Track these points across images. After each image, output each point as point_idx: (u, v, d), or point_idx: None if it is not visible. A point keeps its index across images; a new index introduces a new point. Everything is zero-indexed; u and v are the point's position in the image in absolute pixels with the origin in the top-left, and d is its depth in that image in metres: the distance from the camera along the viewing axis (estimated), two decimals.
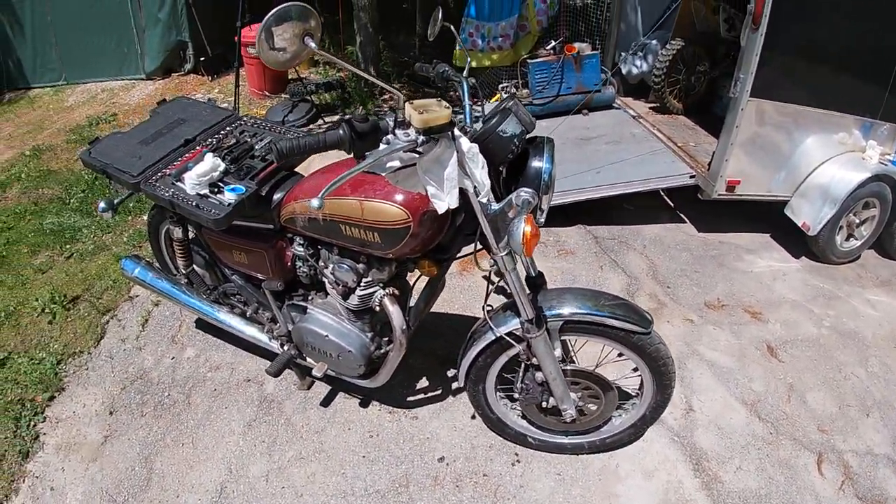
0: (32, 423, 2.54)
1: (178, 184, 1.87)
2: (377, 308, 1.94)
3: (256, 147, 2.02)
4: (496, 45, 5.26)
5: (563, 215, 3.69)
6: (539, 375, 1.94)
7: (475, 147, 1.50)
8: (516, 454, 2.28)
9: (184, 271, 2.38)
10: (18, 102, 6.60)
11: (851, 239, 3.51)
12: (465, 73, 1.91)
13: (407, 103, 1.40)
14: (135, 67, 6.57)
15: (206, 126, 2.15)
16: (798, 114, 3.27)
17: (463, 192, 1.55)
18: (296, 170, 2.07)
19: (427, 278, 2.08)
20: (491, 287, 1.93)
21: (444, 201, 1.47)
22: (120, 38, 6.40)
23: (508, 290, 1.78)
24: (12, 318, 3.18)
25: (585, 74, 4.58)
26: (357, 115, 1.40)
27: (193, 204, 1.80)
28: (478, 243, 1.78)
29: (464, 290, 3.16)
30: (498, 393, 2.14)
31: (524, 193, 1.58)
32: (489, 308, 1.92)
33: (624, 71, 4.69)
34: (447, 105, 1.40)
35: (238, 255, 2.10)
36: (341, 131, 1.37)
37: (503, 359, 1.98)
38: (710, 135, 4.16)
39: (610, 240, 3.63)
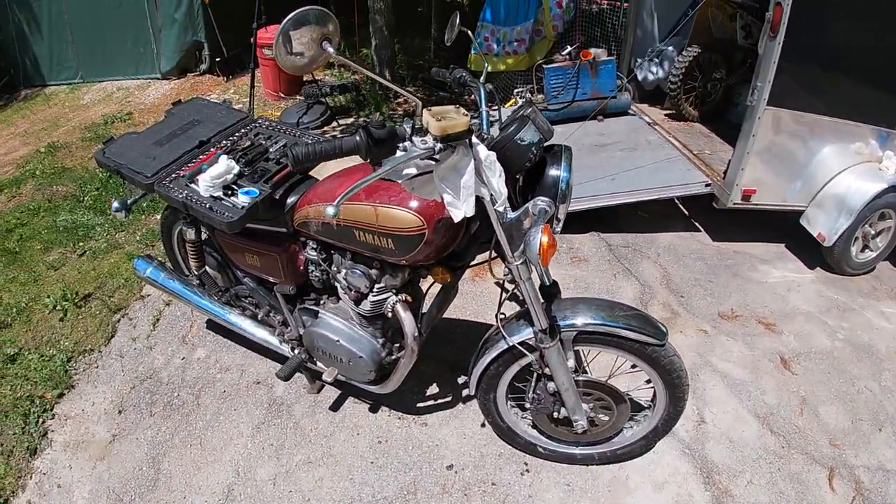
0: (41, 420, 2.55)
1: (192, 186, 1.87)
2: (389, 314, 1.93)
3: (271, 150, 2.02)
4: (511, 50, 5.24)
5: (577, 222, 3.66)
6: (551, 386, 1.92)
7: (492, 155, 1.48)
8: (526, 463, 2.25)
9: (196, 272, 2.37)
10: (34, 99, 6.67)
11: (867, 250, 3.46)
12: (482, 78, 1.90)
13: (425, 110, 1.38)
14: (151, 67, 6.62)
15: (221, 128, 2.15)
16: (815, 123, 3.23)
17: (478, 200, 1.53)
18: (310, 173, 2.06)
19: (440, 285, 2.07)
20: (504, 295, 1.91)
21: (460, 209, 1.45)
22: (136, 38, 6.45)
23: (522, 298, 1.76)
24: (24, 314, 3.21)
25: (601, 80, 4.55)
26: (374, 122, 1.39)
27: (207, 206, 1.80)
28: (492, 251, 1.76)
29: (476, 297, 3.14)
30: (509, 402, 2.12)
31: (541, 202, 1.57)
32: (502, 316, 1.90)
33: (640, 77, 4.65)
34: (465, 112, 1.39)
35: (250, 257, 2.09)
36: (358, 137, 1.36)
37: (515, 368, 1.96)
38: (726, 143, 4.12)
39: (624, 247, 3.60)
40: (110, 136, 2.24)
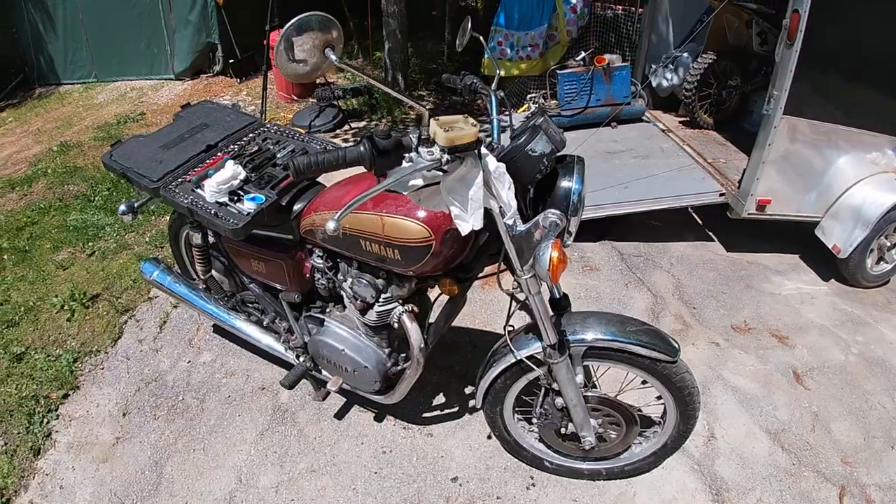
0: (45, 420, 2.56)
1: (198, 191, 1.84)
2: (395, 325, 1.90)
3: (278, 155, 1.99)
4: (525, 55, 5.21)
5: (589, 230, 3.62)
6: (559, 401, 1.88)
7: (502, 167, 1.44)
8: (531, 477, 2.21)
9: (202, 277, 2.36)
10: (49, 98, 6.72)
11: (882, 262, 3.39)
12: (493, 85, 1.86)
13: (432, 120, 1.34)
14: (164, 68, 6.65)
15: (229, 132, 2.13)
16: (831, 132, 3.17)
17: (487, 212, 1.49)
18: (318, 179, 2.04)
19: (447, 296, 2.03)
20: (514, 306, 1.86)
21: (468, 222, 1.41)
22: (150, 39, 6.48)
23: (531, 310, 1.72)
24: (32, 313, 3.22)
25: (615, 86, 4.50)
26: (379, 132, 1.35)
27: (212, 212, 1.78)
28: (501, 263, 1.72)
29: (485, 305, 3.10)
30: (516, 415, 2.08)
31: (552, 215, 1.53)
32: (510, 328, 1.86)
33: (654, 84, 4.60)
34: (474, 123, 1.34)
35: (256, 263, 2.07)
36: (362, 148, 1.32)
37: (523, 381, 1.92)
38: (741, 151, 4.06)
39: (636, 257, 3.55)
40: (118, 139, 2.22)
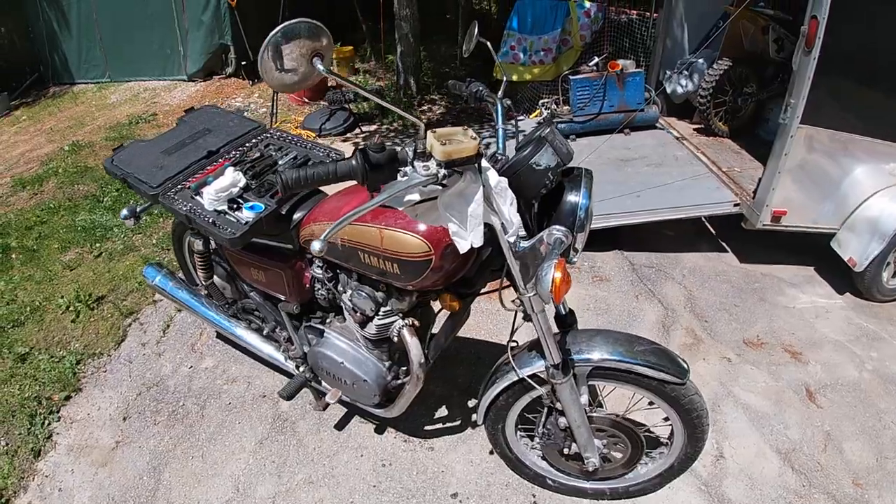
0: (47, 422, 2.56)
1: (197, 198, 1.81)
2: (395, 339, 1.85)
3: (280, 162, 1.96)
4: (538, 59, 5.16)
5: (600, 239, 3.55)
6: (562, 421, 1.82)
7: (504, 181, 1.38)
8: (534, 495, 2.16)
9: (204, 283, 2.33)
10: (63, 97, 6.77)
11: None
12: (500, 93, 1.80)
13: (429, 132, 1.27)
14: (177, 69, 6.67)
15: (232, 138, 2.10)
16: (849, 142, 3.10)
17: (490, 227, 1.44)
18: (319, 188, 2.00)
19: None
20: (518, 321, 1.78)
21: (467, 240, 1.35)
22: (163, 40, 6.50)
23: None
24: (37, 313, 3.23)
25: (628, 92, 4.43)
26: (372, 145, 1.29)
27: (210, 220, 1.74)
28: (503, 279, 1.65)
29: (491, 316, 3.05)
30: (518, 432, 2.02)
31: (557, 232, 1.46)
32: (514, 344, 1.80)
33: (668, 90, 4.52)
34: (474, 135, 1.28)
35: (256, 272, 2.04)
36: (354, 161, 1.26)
37: (525, 399, 1.86)
38: (756, 160, 3.97)
39: (647, 267, 3.48)
40: (120, 144, 2.20)
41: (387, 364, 1.94)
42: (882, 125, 3.08)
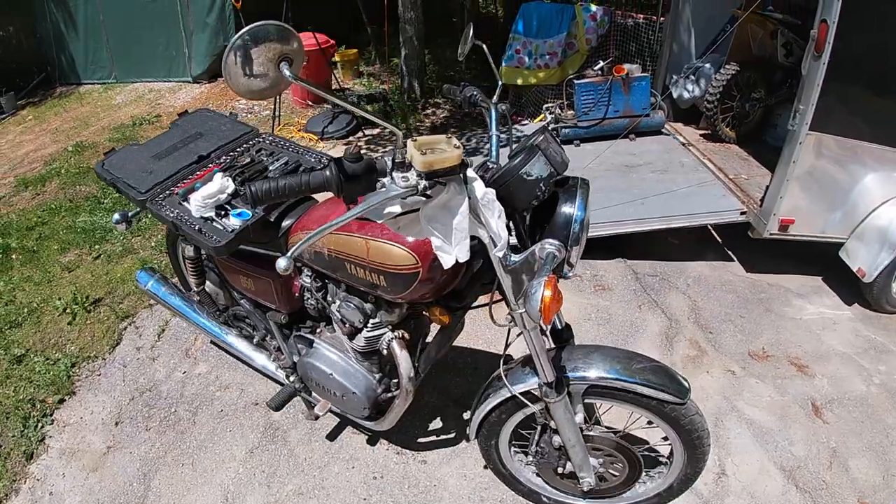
0: (40, 425, 2.55)
1: (185, 204, 1.77)
2: (385, 351, 1.79)
3: (271, 168, 1.91)
4: (543, 63, 5.10)
5: (603, 247, 3.49)
6: (556, 439, 1.76)
7: (491, 192, 1.31)
8: None
9: (195, 289, 2.29)
10: (69, 97, 6.78)
11: None
12: (495, 97, 1.73)
13: (409, 141, 1.20)
14: (182, 70, 6.67)
15: (224, 142, 2.05)
16: (859, 150, 3.03)
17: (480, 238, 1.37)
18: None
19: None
20: (512, 335, 1.72)
21: (451, 254, 1.28)
22: (168, 41, 6.51)
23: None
24: (35, 314, 3.22)
25: (634, 97, 4.37)
26: (348, 154, 1.21)
27: (196, 228, 1.70)
28: (495, 293, 1.59)
29: (489, 324, 2.95)
30: (512, 448, 1.96)
31: (549, 246, 1.39)
32: (509, 357, 1.73)
33: (675, 95, 4.46)
34: (457, 144, 1.21)
35: (245, 280, 1.99)
36: (328, 172, 1.19)
37: (519, 416, 1.80)
38: (763, 166, 3.90)
39: (651, 276, 3.41)
40: (112, 148, 2.16)
41: (377, 376, 1.89)
42: (893, 132, 3.01)
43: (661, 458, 1.94)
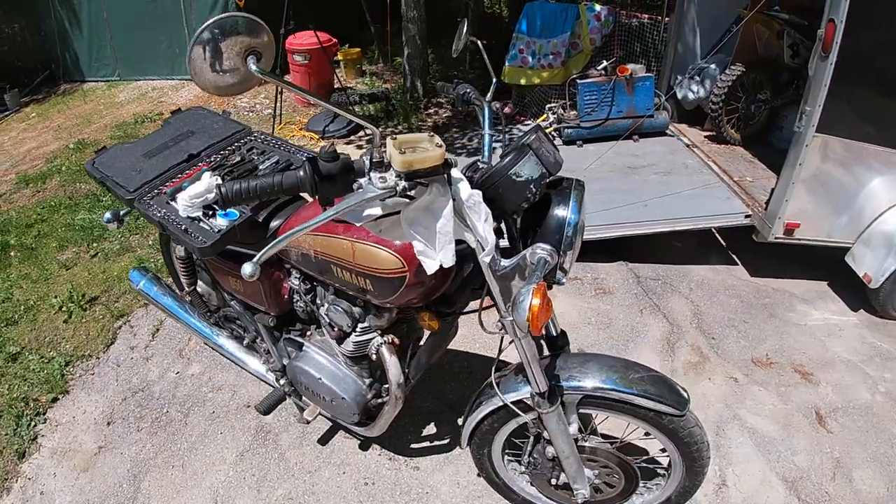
0: (33, 424, 2.54)
1: (172, 203, 1.73)
2: (374, 356, 1.74)
3: (261, 167, 1.87)
4: (547, 63, 5.05)
5: (605, 250, 3.44)
6: (550, 450, 1.70)
7: (477, 194, 1.23)
8: None
9: (186, 289, 2.26)
10: (72, 95, 6.78)
11: None
12: (489, 95, 1.68)
13: (389, 139, 1.13)
14: (185, 68, 6.62)
15: (215, 140, 2.02)
16: (867, 153, 2.96)
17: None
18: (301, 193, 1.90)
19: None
20: (506, 341, 1.64)
21: (435, 259, 1.22)
22: (171, 39, 6.50)
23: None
24: (31, 312, 3.21)
25: (638, 98, 4.32)
26: (324, 153, 1.15)
27: (182, 228, 1.66)
28: (485, 299, 1.53)
29: (490, 324, 2.94)
30: (506, 456, 1.91)
31: (540, 251, 1.32)
32: (501, 364, 1.65)
33: (679, 95, 4.40)
34: (440, 143, 1.15)
35: (234, 281, 1.95)
36: (301, 172, 1.14)
37: (512, 424, 1.74)
38: (769, 169, 3.84)
39: (653, 280, 3.36)
40: (103, 146, 2.13)
41: (367, 381, 1.84)
42: None
43: (659, 470, 1.88)
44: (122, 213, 2.08)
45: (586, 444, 1.73)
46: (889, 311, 3.10)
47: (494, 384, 1.62)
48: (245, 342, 2.22)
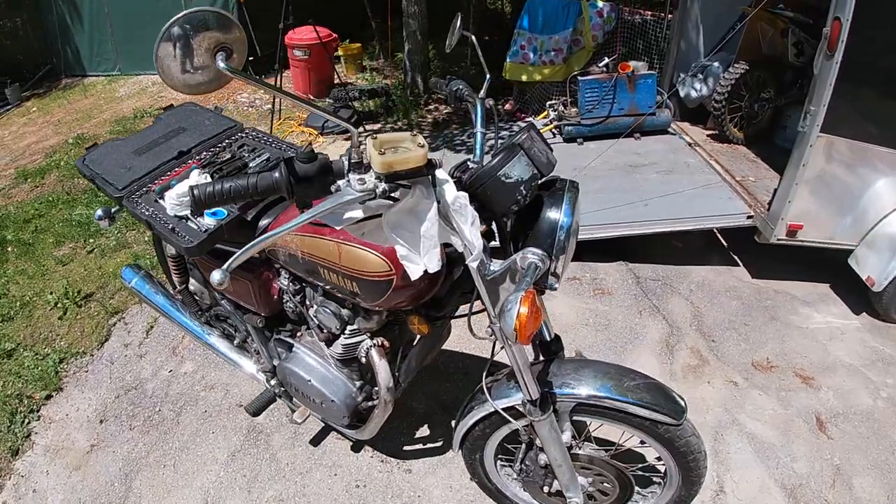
0: (27, 421, 2.53)
1: (160, 202, 1.70)
2: (363, 359, 1.70)
3: (251, 164, 1.84)
4: (548, 60, 5.00)
5: (604, 250, 3.40)
6: (542, 458, 1.66)
7: (463, 197, 1.18)
8: None
9: (178, 288, 2.23)
10: (73, 89, 6.77)
11: None
12: (482, 91, 1.63)
13: (369, 139, 1.08)
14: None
15: (205, 137, 1.98)
16: (871, 153, 2.92)
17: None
18: None
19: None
20: (498, 345, 1.56)
21: (419, 264, 1.18)
22: None
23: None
24: (27, 308, 3.20)
25: (640, 95, 4.27)
26: (301, 153, 1.11)
27: (169, 227, 1.62)
28: (475, 304, 1.48)
29: (483, 326, 2.90)
30: (498, 462, 1.88)
31: (531, 255, 1.28)
32: (494, 369, 1.62)
33: (682, 93, 4.35)
34: (422, 143, 1.10)
35: None
36: (277, 174, 1.09)
37: (504, 430, 1.71)
38: (772, 169, 3.80)
39: (653, 281, 3.31)
40: (93, 143, 2.10)
41: (357, 384, 1.80)
42: None
43: (654, 478, 1.85)
44: (113, 210, 2.05)
45: (580, 451, 1.69)
46: (892, 315, 3.05)
47: (486, 389, 1.57)
48: (235, 342, 2.19)
